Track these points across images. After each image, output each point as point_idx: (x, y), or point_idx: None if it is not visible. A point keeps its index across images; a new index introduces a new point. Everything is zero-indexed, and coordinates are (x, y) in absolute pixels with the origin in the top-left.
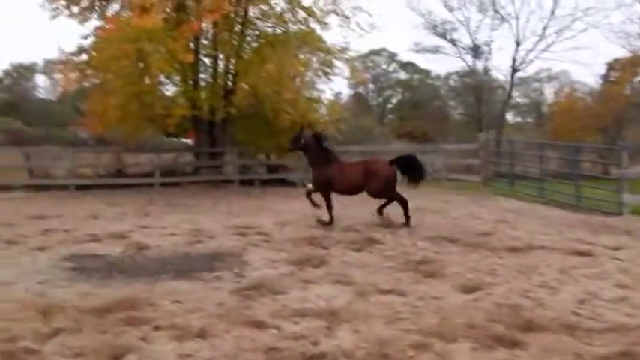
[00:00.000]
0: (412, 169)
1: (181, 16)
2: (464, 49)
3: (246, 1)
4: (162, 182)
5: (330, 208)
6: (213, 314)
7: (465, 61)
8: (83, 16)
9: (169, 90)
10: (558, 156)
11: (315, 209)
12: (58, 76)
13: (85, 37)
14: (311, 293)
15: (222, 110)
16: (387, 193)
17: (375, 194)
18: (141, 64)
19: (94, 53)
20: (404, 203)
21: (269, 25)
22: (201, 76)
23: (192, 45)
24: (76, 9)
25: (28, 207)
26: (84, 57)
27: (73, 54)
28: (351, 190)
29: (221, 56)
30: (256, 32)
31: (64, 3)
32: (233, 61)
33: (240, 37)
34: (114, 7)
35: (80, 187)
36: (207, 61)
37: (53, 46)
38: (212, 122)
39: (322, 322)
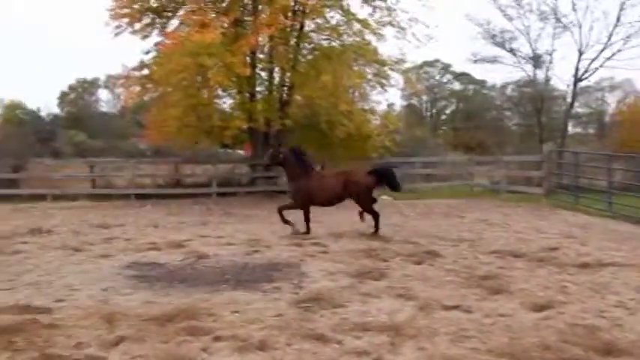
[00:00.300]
0: (388, 180)
1: (239, 30)
2: (523, 58)
3: (302, 14)
4: (219, 192)
5: (307, 220)
6: (273, 326)
7: (524, 70)
8: (144, 33)
9: (226, 103)
10: (626, 167)
11: (288, 226)
12: (119, 90)
13: (146, 53)
14: (372, 307)
15: (278, 122)
16: (363, 202)
17: (358, 202)
18: (199, 78)
19: (154, 67)
20: (376, 216)
21: (324, 37)
22: (258, 88)
23: (248, 58)
24: (137, 26)
25: (91, 215)
26: (145, 71)
27: (134, 69)
28: (332, 201)
29: (277, 69)
30: (312, 45)
31: (126, 20)
32: (288, 73)
33: (295, 50)
34: (174, 23)
35: (140, 197)
36: (263, 74)
37: (115, 62)
38: (267, 134)
39: (385, 338)
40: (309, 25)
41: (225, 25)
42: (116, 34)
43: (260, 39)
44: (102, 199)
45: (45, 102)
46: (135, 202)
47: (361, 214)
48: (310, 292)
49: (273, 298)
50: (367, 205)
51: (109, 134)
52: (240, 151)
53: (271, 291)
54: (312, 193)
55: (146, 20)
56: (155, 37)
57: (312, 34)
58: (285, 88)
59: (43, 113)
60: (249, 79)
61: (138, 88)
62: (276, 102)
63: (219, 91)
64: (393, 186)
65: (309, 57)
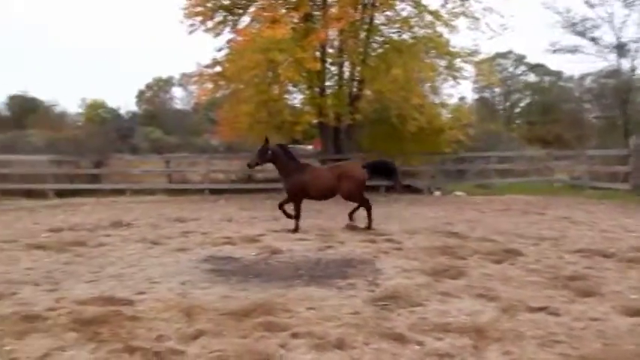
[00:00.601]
0: (383, 171)
1: (309, 25)
2: (607, 47)
3: (372, 7)
4: None
5: (298, 216)
6: (349, 324)
7: (607, 60)
8: (217, 30)
9: (296, 98)
10: None
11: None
12: (193, 87)
13: (219, 50)
14: (452, 307)
15: (348, 116)
16: (358, 195)
17: (348, 195)
18: (270, 74)
19: (226, 65)
20: (369, 208)
21: (395, 30)
22: (327, 83)
23: (318, 53)
24: (210, 23)
25: (168, 210)
26: (217, 69)
27: (207, 66)
28: (326, 194)
29: (347, 63)
30: (382, 38)
31: (199, 18)
32: (358, 67)
33: (365, 44)
34: (245, 20)
35: (214, 191)
36: (333, 68)
37: (189, 61)
38: (337, 128)
39: (467, 340)
40: (379, 18)
41: (295, 20)
42: (190, 32)
43: (330, 33)
44: (178, 194)
45: (124, 100)
46: (209, 197)
47: (351, 214)
48: (386, 289)
49: (349, 295)
50: (360, 197)
51: (183, 131)
52: (309, 147)
53: (346, 287)
54: (307, 187)
55: (218, 18)
56: (227, 35)
57: (383, 27)
58: (355, 83)
59: (122, 111)
60: (319, 73)
61: (210, 85)
62: (346, 96)
63: (290, 87)
64: (390, 175)
65: (380, 50)
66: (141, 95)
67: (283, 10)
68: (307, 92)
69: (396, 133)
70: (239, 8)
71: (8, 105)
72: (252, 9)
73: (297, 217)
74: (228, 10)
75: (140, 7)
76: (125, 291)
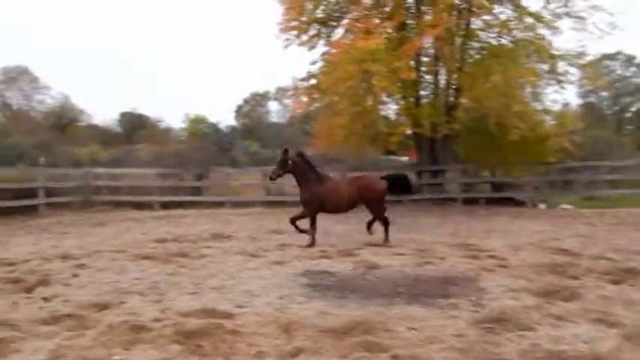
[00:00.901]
0: (401, 185)
1: (403, 34)
2: None
3: (468, 12)
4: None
5: (313, 229)
6: (454, 347)
7: None
8: (311, 44)
9: (391, 108)
10: None
11: (306, 234)
12: (287, 101)
13: (313, 63)
14: (566, 332)
15: (444, 126)
16: (379, 207)
17: (371, 207)
18: (364, 85)
19: (321, 77)
20: (387, 223)
21: (493, 35)
22: (422, 92)
23: (413, 62)
24: (305, 37)
25: (266, 222)
26: (312, 81)
27: (302, 79)
28: (345, 206)
29: (442, 71)
30: (479, 44)
31: (295, 33)
32: (455, 75)
33: (462, 50)
34: (339, 32)
35: None
36: (428, 77)
37: (284, 75)
38: (433, 139)
39: None
40: (475, 22)
41: (389, 30)
42: (285, 47)
43: (425, 41)
44: (275, 206)
45: (224, 115)
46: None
47: (369, 226)
48: (492, 311)
49: (451, 315)
50: (380, 211)
51: (279, 143)
52: (404, 158)
53: (448, 307)
54: (325, 199)
55: (312, 31)
56: (321, 48)
57: (480, 32)
58: (452, 91)
59: (222, 126)
60: (414, 83)
61: (305, 98)
62: (443, 105)
63: (384, 97)
64: (406, 190)
65: (477, 56)
66: (239, 110)
67: (377, 21)
68: (402, 102)
69: (495, 143)
70: (333, 21)
71: (120, 122)
72: (345, 21)
73: (312, 229)
74: (322, 23)
75: (237, 25)
76: (226, 304)
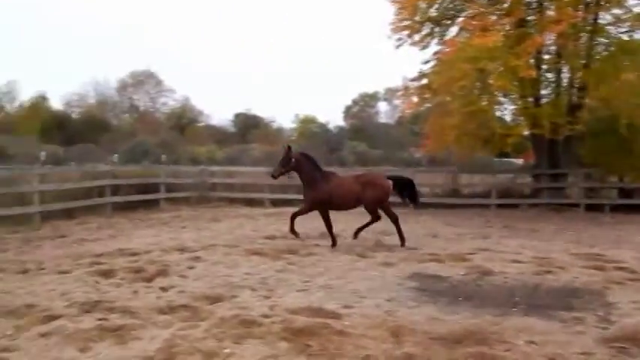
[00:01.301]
0: (406, 189)
1: (522, 31)
2: None
3: (596, 6)
4: (499, 204)
5: (330, 227)
6: None
7: None
8: (423, 43)
9: (507, 108)
10: None
11: (296, 237)
12: (397, 101)
13: (425, 63)
14: None
15: (566, 127)
16: (384, 205)
17: (373, 204)
18: (478, 84)
19: (433, 77)
20: (396, 220)
21: (624, 29)
22: (543, 92)
23: (532, 60)
24: (417, 37)
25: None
26: (423, 81)
27: (413, 79)
28: (351, 203)
29: (565, 69)
30: (607, 39)
31: (407, 32)
32: (579, 73)
33: (588, 47)
34: (453, 31)
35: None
36: (549, 75)
37: (393, 75)
38: (553, 141)
39: None
40: (604, 17)
41: (507, 27)
42: (397, 47)
43: (546, 37)
44: None
45: (333, 116)
46: (412, 211)
47: (357, 233)
48: (623, 329)
49: (576, 330)
50: (387, 207)
51: (387, 144)
52: (518, 160)
53: (572, 321)
54: (331, 196)
55: (425, 30)
56: (433, 47)
57: (609, 27)
58: (576, 90)
59: (331, 126)
60: (534, 81)
61: (416, 98)
62: (565, 105)
63: (500, 97)
64: (411, 196)
65: (605, 53)
66: (348, 110)
67: (494, 17)
68: (519, 102)
69: (625, 146)
70: (447, 19)
71: (234, 122)
72: (460, 19)
73: (329, 227)
74: (436, 22)
75: (348, 25)
76: (333, 303)
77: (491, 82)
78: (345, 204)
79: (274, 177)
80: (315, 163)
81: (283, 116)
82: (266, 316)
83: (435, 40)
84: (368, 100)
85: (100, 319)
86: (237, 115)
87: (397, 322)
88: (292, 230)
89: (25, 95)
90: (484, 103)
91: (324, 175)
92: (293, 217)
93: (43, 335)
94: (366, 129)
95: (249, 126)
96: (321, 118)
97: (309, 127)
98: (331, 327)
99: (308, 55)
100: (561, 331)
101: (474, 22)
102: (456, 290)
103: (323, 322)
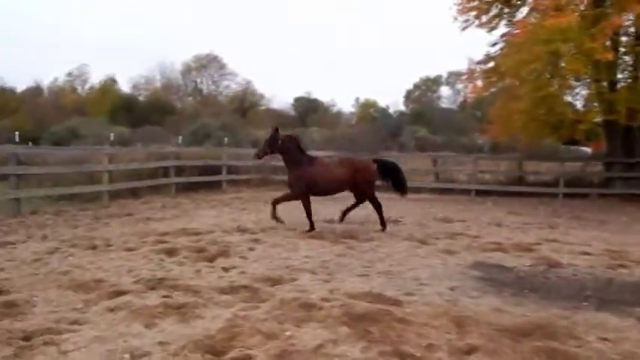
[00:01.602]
0: (393, 175)
1: (600, 11)
2: None
3: None
4: (567, 193)
5: (309, 213)
6: None
7: None
8: (491, 25)
9: (579, 93)
10: None
11: (280, 223)
12: (460, 86)
13: (493, 45)
14: None
15: None
16: (370, 190)
17: (362, 190)
18: (549, 67)
19: (501, 59)
20: (379, 206)
21: None
22: (620, 75)
23: (609, 42)
24: (484, 18)
25: (434, 209)
26: (490, 64)
27: (479, 62)
28: (337, 188)
29: None
30: None
31: (474, 14)
32: None
33: None
34: (523, 11)
35: (480, 193)
36: (626, 58)
37: (456, 59)
38: (630, 128)
39: None
40: None
41: (582, 7)
42: (463, 29)
43: (625, 18)
44: (443, 193)
45: (393, 100)
46: (475, 198)
47: (344, 214)
48: None
49: None
50: (372, 194)
51: (448, 129)
52: (586, 148)
53: None
54: (316, 180)
55: (493, 11)
56: (502, 29)
57: None
58: None
59: (391, 110)
60: (610, 65)
61: (482, 82)
62: None
63: (572, 81)
64: (398, 183)
65: None
66: (409, 95)
67: None
68: (593, 87)
69: None
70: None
71: (294, 106)
72: None
73: (309, 213)
74: (505, 2)
75: (409, 7)
76: (394, 290)
77: (563, 65)
78: (330, 189)
79: (259, 157)
80: (300, 147)
81: (343, 100)
82: (326, 300)
83: (504, 22)
84: (430, 85)
85: (164, 296)
86: (298, 99)
87: (460, 311)
88: (276, 218)
89: (96, 78)
90: (555, 88)
91: (309, 159)
92: (274, 203)
93: (111, 310)
94: (426, 114)
95: (309, 110)
96: (382, 103)
97: (369, 112)
98: (392, 314)
99: (370, 38)
100: (637, 328)
101: (546, 2)
102: (521, 281)
103: (384, 309)
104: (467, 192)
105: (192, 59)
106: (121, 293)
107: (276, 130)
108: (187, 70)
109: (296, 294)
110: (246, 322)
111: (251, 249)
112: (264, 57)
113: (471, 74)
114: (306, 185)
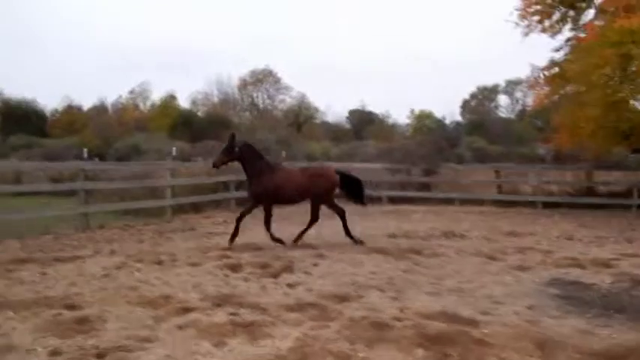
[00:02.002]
0: (353, 187)
1: None
2: None
3: None
4: None
5: (269, 223)
6: None
7: None
8: (554, 30)
9: None
10: None
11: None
12: (519, 94)
13: (557, 50)
14: None
15: None
16: (330, 199)
17: (320, 197)
18: (619, 72)
19: (567, 65)
20: (343, 214)
21: None
22: None
23: None
24: (547, 22)
25: (499, 222)
26: (554, 70)
27: (543, 69)
28: (298, 197)
29: None
30: None
31: (536, 18)
32: None
33: None
34: (589, 14)
35: (547, 205)
36: None
37: (513, 68)
38: None
39: None
40: None
41: None
42: (526, 34)
43: None
44: (507, 206)
45: (449, 111)
46: (542, 210)
47: (300, 235)
48: None
49: None
50: (332, 201)
51: (507, 139)
52: None
53: None
54: (278, 189)
55: (557, 15)
56: (566, 33)
57: None
58: None
59: (447, 121)
60: None
61: (547, 89)
62: None
63: None
64: (358, 195)
65: None
66: (465, 105)
67: None
68: None
69: None
70: (582, 1)
71: (349, 118)
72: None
73: (267, 224)
74: (570, 4)
75: (460, 17)
76: (468, 309)
77: (634, 69)
78: (292, 197)
79: (216, 166)
80: (260, 154)
81: (398, 111)
82: (397, 319)
83: (568, 26)
84: (487, 94)
85: (231, 314)
86: (352, 112)
87: (543, 333)
88: (234, 234)
89: (157, 95)
90: (625, 93)
91: (270, 168)
92: (239, 218)
93: (180, 327)
94: (484, 124)
95: (363, 122)
96: (437, 113)
97: (424, 123)
98: (469, 335)
99: (422, 49)
100: None
101: (615, 3)
102: (605, 300)
103: (460, 329)
104: (532, 204)
105: (248, 74)
106: (188, 310)
107: (233, 137)
108: (244, 85)
109: (365, 312)
110: (317, 341)
111: (315, 264)
112: (317, 69)
113: (535, 81)
114: (267, 194)
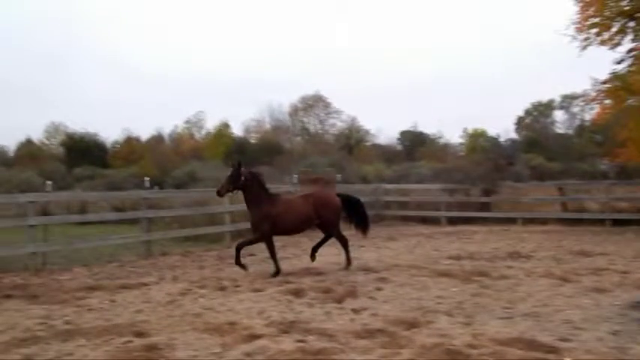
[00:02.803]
0: (356, 209)
1: None
2: None
3: None
4: None
5: (274, 254)
6: None
7: None
8: (614, 41)
9: None
10: None
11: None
12: (576, 109)
13: (619, 62)
14: None
15: None
16: (336, 225)
17: (328, 225)
18: None
19: (630, 77)
20: (346, 242)
21: None
22: None
23: None
24: (606, 35)
25: (566, 241)
26: (616, 83)
27: (604, 82)
28: (302, 226)
29: None
30: None
31: (594, 30)
32: None
33: None
34: None
35: (617, 222)
36: None
37: (570, 82)
38: None
39: None
40: None
41: None
42: (583, 48)
43: None
44: (573, 224)
45: (504, 128)
46: (611, 229)
47: (315, 250)
48: None
49: None
50: (337, 228)
51: (566, 155)
52: None
53: None
54: (280, 219)
55: (616, 27)
56: (626, 45)
57: None
58: None
59: (501, 139)
60: None
61: (609, 102)
62: None
63: None
64: (361, 218)
65: None
66: (520, 121)
67: None
68: None
69: None
70: None
71: (400, 140)
72: None
73: (273, 254)
74: (629, 15)
75: (515, 33)
76: (545, 335)
77: None
78: (295, 227)
79: (220, 194)
80: (262, 184)
81: (450, 130)
82: (472, 347)
83: (629, 37)
84: (542, 110)
85: (299, 341)
86: (403, 133)
87: None
88: (240, 264)
89: (211, 123)
90: None
91: (271, 198)
92: (239, 247)
93: (248, 355)
94: (541, 140)
95: (415, 143)
96: (492, 132)
97: (478, 142)
98: None
99: (473, 65)
100: None
101: None
102: None
103: (541, 357)
104: (600, 222)
105: (298, 100)
106: (255, 337)
107: (239, 165)
108: (295, 111)
109: (436, 339)
110: None
111: (378, 289)
112: (367, 92)
113: (597, 95)
114: (271, 225)
